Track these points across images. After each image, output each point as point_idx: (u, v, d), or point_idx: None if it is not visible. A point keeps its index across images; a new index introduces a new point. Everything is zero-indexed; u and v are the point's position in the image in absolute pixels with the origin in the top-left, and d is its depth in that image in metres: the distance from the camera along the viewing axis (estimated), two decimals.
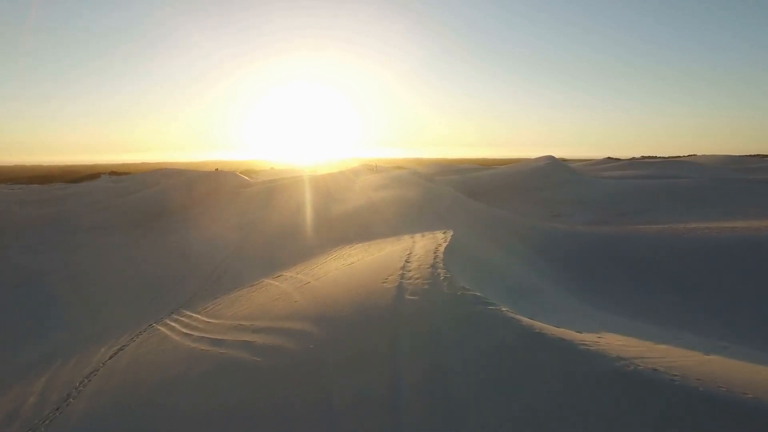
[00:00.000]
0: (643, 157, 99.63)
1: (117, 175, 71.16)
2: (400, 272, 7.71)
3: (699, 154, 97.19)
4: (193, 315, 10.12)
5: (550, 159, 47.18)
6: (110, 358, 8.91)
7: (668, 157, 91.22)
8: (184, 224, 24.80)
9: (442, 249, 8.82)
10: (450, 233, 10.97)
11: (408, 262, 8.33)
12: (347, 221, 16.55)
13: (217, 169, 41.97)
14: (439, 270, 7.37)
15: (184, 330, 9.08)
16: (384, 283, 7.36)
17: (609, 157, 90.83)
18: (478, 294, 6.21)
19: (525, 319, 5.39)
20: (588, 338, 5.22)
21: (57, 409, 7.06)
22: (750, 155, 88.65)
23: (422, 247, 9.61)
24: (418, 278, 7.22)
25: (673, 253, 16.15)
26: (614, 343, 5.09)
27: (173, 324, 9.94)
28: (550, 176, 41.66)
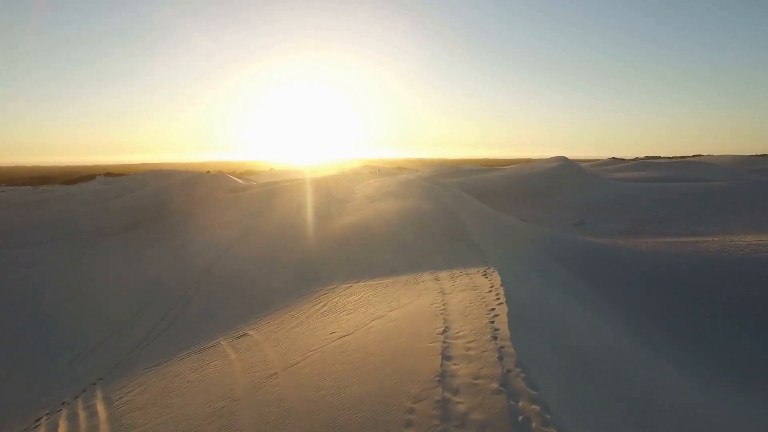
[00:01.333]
0: (647, 158, 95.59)
1: (112, 176, 67.29)
2: (438, 390, 3.81)
3: (704, 154, 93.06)
4: (97, 413, 6.22)
5: (563, 160, 43.12)
6: None
7: (673, 158, 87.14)
8: (163, 234, 20.88)
9: (503, 323, 4.89)
10: (496, 276, 7.04)
11: (447, 356, 4.41)
12: (349, 238, 12.51)
13: (208, 172, 38.06)
14: (523, 402, 3.47)
15: None
16: (408, 429, 3.46)
17: (613, 158, 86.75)
18: None
19: None
20: None
21: None
22: (756, 155, 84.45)
23: (461, 309, 5.68)
24: (479, 420, 3.34)
25: (753, 279, 12.24)
26: None
27: None
28: (564, 179, 37.67)
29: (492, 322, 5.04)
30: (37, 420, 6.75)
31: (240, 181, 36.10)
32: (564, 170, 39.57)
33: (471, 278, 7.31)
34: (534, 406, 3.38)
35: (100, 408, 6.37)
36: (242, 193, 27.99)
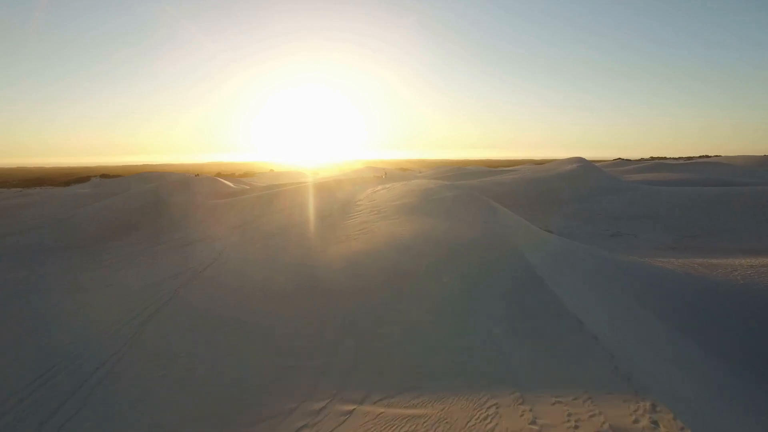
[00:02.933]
0: (652, 158, 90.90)
1: (108, 177, 62.95)
2: None
3: (711, 155, 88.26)
4: None
5: (581, 161, 38.50)
6: None
7: (679, 158, 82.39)
8: (110, 257, 16.43)
9: None
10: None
11: None
12: (351, 284, 7.87)
13: (197, 175, 33.68)
14: None
15: None
16: None
17: (620, 158, 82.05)
18: None
19: None
20: None
21: None
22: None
23: None
24: None
25: None
26: None
27: None
28: (586, 182, 33.17)
29: None
30: None
31: (231, 185, 31.68)
32: (584, 173, 35.06)
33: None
34: None
35: None
36: (228, 201, 23.56)
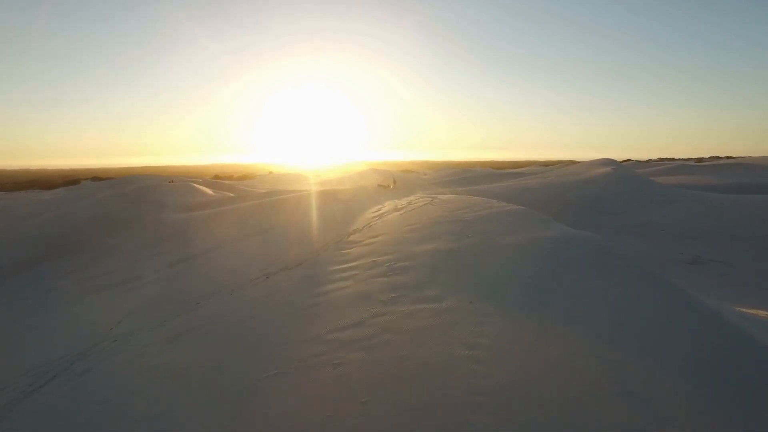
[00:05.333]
0: (660, 159, 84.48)
1: (100, 179, 56.85)
2: None
3: (722, 155, 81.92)
4: None
5: (613, 163, 32.15)
6: None
7: (688, 159, 76.06)
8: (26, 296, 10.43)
9: None
10: None
11: None
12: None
13: (171, 181, 27.60)
14: None
15: None
16: None
17: (629, 159, 75.60)
18: None
19: None
20: None
21: None
22: None
23: None
24: None
25: None
26: None
27: None
28: (626, 189, 26.91)
29: None
30: None
31: (211, 192, 25.53)
32: (621, 177, 28.75)
33: None
34: None
35: None
36: (196, 215, 17.40)
